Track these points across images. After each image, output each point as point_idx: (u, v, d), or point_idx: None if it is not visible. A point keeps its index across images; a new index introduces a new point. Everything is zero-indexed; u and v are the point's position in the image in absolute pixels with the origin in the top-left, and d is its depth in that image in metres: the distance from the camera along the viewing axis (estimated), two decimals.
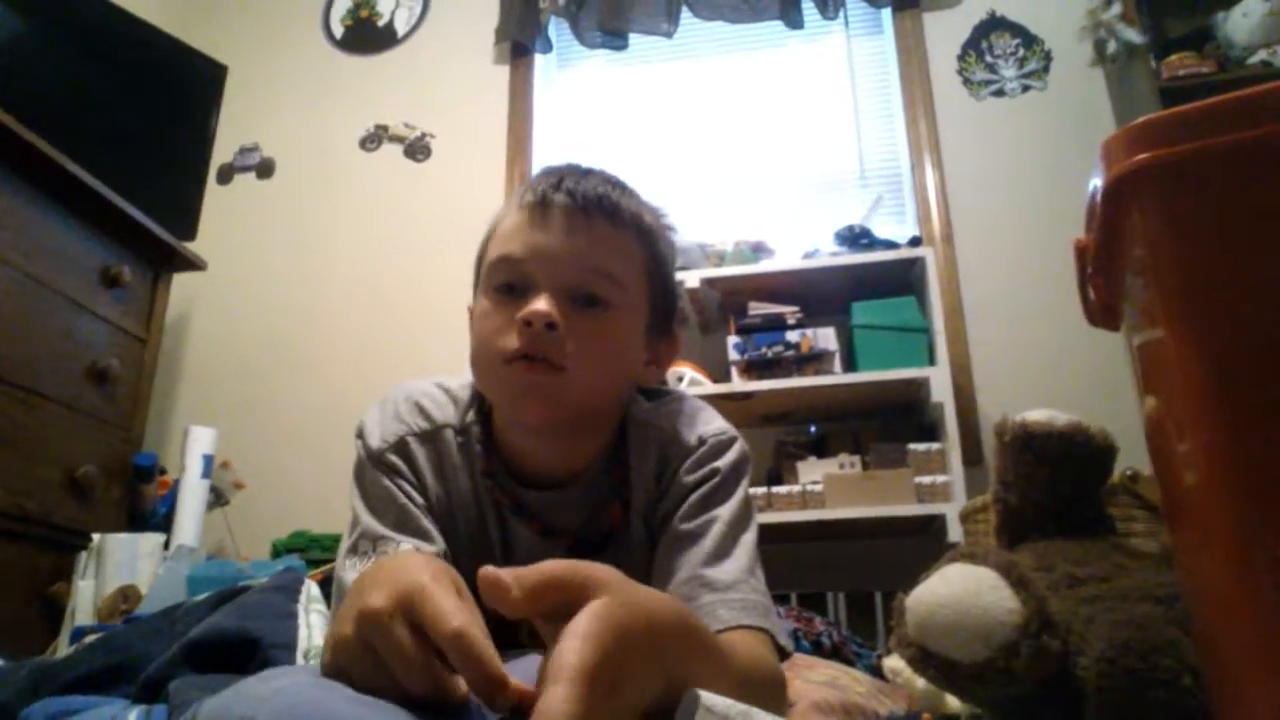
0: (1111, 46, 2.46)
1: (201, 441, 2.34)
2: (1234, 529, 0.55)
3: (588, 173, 0.86)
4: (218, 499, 2.40)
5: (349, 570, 0.77)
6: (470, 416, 0.89)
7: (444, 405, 0.89)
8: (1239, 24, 2.36)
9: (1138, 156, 0.57)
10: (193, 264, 2.58)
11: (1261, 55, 2.32)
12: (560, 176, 0.84)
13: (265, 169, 3.09)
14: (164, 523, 2.22)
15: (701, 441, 0.86)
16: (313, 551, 2.23)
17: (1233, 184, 0.55)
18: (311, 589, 1.04)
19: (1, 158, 1.96)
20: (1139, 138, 0.58)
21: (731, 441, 0.88)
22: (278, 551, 2.26)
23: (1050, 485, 0.87)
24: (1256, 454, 0.55)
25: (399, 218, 2.93)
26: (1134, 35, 2.37)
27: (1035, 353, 2.41)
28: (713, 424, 0.89)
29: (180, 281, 2.61)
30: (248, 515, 2.52)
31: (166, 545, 2.07)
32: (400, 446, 0.85)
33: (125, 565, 1.95)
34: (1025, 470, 0.87)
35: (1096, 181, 0.64)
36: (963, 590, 0.71)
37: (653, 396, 0.93)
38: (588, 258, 0.81)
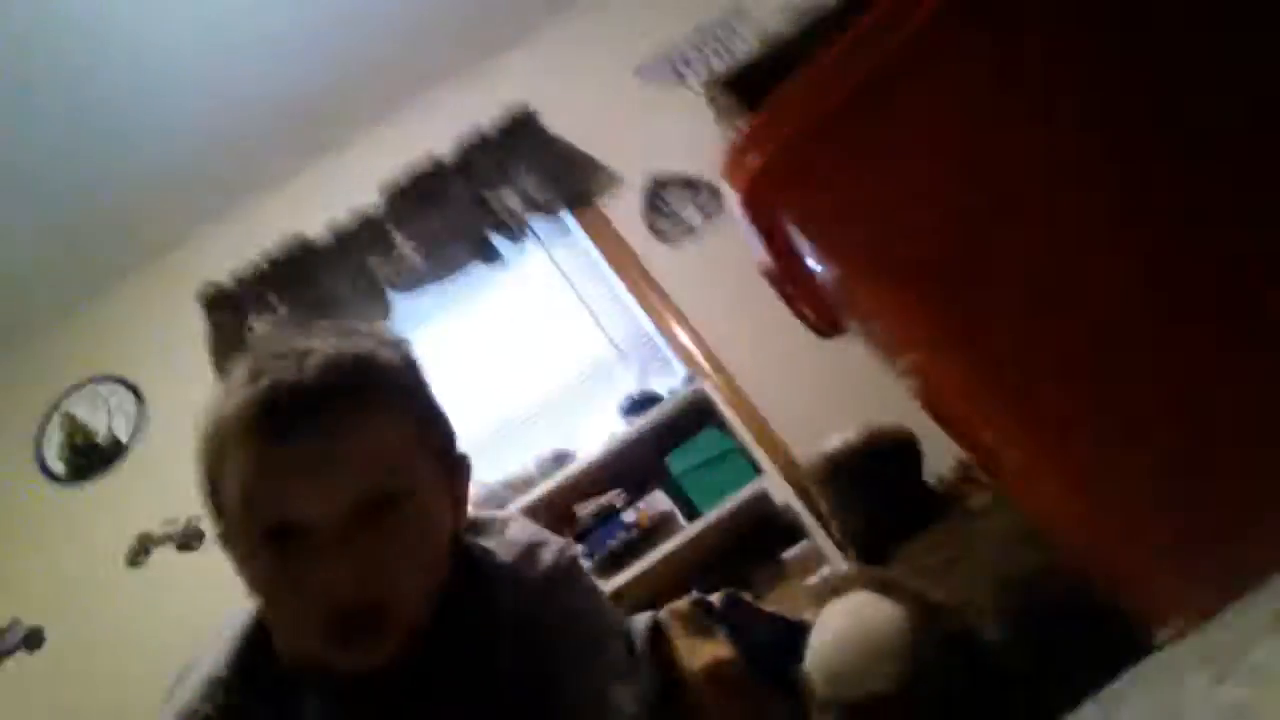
0: None
1: None
2: (984, 429, 0.57)
3: (305, 354, 0.69)
4: None
5: None
6: (250, 681, 0.78)
7: (217, 694, 0.78)
8: None
9: (738, 176, 0.63)
10: None
11: None
12: (278, 378, 0.68)
13: (34, 640, 2.76)
14: None
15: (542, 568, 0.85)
16: None
17: (815, 152, 0.61)
18: None
19: None
20: (734, 161, 0.64)
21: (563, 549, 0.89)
22: None
23: (877, 493, 0.87)
24: (975, 355, 0.57)
25: (207, 619, 2.66)
26: None
27: (835, 408, 2.49)
28: (543, 546, 0.88)
29: None
30: None
31: None
32: None
33: None
34: (849, 493, 0.88)
35: (738, 212, 0.70)
36: (847, 624, 0.68)
37: (478, 530, 0.87)
38: (357, 466, 0.67)
